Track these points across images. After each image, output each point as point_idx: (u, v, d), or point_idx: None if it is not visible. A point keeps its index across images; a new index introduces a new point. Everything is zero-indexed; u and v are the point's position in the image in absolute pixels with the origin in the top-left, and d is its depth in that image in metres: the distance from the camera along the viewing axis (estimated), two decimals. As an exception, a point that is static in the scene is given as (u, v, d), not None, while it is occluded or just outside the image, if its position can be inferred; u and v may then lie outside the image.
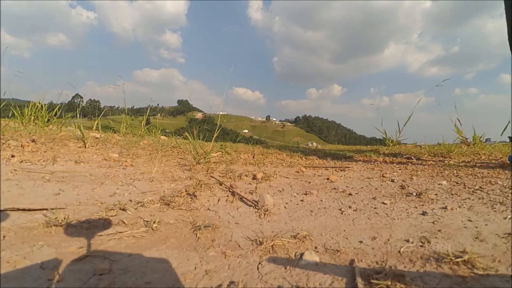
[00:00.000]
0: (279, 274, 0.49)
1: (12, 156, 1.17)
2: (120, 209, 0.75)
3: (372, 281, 0.45)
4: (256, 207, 0.83)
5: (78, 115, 2.46)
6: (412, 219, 0.71)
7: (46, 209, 0.72)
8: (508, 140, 2.13)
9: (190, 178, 1.11)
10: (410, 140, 2.81)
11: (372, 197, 0.90)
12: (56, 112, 2.53)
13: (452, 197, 0.86)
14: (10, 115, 2.37)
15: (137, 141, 1.96)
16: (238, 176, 1.14)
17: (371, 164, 1.46)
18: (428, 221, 0.69)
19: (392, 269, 0.49)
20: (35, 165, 1.12)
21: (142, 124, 2.68)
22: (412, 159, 1.60)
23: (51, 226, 0.62)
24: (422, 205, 0.80)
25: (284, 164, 1.42)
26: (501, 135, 2.04)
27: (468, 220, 0.68)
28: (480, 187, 0.93)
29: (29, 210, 0.71)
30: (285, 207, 0.84)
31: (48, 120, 2.48)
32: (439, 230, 0.63)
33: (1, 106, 2.26)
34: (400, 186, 1.01)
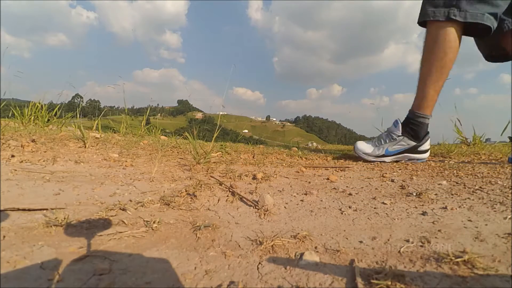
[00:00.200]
0: (279, 274, 0.49)
1: (12, 156, 1.17)
2: (120, 209, 0.75)
3: (372, 281, 0.45)
4: (256, 207, 0.83)
5: (78, 115, 2.46)
6: (412, 219, 0.71)
7: (46, 209, 0.72)
8: (508, 140, 2.13)
9: (190, 178, 1.11)
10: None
11: (372, 197, 0.90)
12: (56, 112, 2.53)
13: (452, 197, 0.86)
14: (10, 115, 2.37)
15: (137, 141, 1.96)
16: (238, 176, 1.14)
17: (371, 164, 1.46)
18: (428, 221, 0.69)
19: (392, 269, 0.49)
20: (35, 165, 1.12)
21: (142, 124, 2.68)
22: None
23: (51, 226, 0.63)
24: (422, 205, 0.80)
25: (284, 164, 1.42)
26: (501, 135, 2.04)
27: (468, 220, 0.68)
28: (480, 187, 0.93)
29: (29, 210, 0.71)
30: (285, 207, 0.84)
31: (48, 120, 2.48)
32: (439, 230, 0.63)
33: (1, 106, 2.26)
34: (400, 186, 1.01)
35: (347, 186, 1.04)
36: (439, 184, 1.00)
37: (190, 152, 1.57)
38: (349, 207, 0.82)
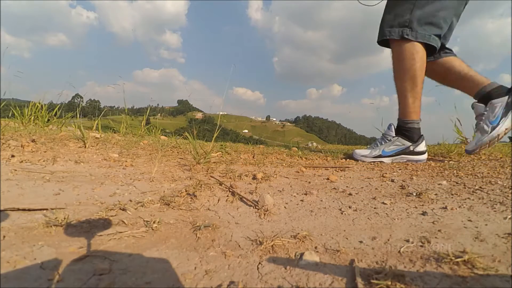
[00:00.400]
0: (279, 274, 0.49)
1: (12, 156, 1.17)
2: (120, 209, 0.75)
3: (372, 281, 0.45)
4: (256, 207, 0.83)
5: (78, 115, 2.46)
6: (412, 219, 0.71)
7: (46, 209, 0.72)
8: (508, 140, 2.13)
9: (190, 178, 1.11)
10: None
11: (372, 197, 0.90)
12: (56, 112, 2.53)
13: (452, 197, 0.86)
14: (10, 115, 2.37)
15: (137, 141, 1.96)
16: (238, 176, 1.14)
17: (371, 164, 1.46)
18: (428, 221, 0.69)
19: (392, 269, 0.49)
20: (35, 165, 1.12)
21: (142, 124, 2.68)
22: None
23: (51, 226, 0.63)
24: (422, 205, 0.80)
25: (284, 164, 1.42)
26: (501, 135, 2.03)
27: (468, 220, 0.68)
28: (480, 187, 0.93)
29: (29, 210, 0.71)
30: (285, 207, 0.84)
31: (48, 120, 2.48)
32: (439, 230, 0.63)
33: (1, 106, 2.26)
34: (400, 186, 1.01)
35: (347, 186, 1.04)
36: (439, 184, 1.00)
37: (190, 152, 1.57)
38: (349, 207, 0.82)
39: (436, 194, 0.89)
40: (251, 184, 1.07)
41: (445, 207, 0.77)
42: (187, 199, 0.87)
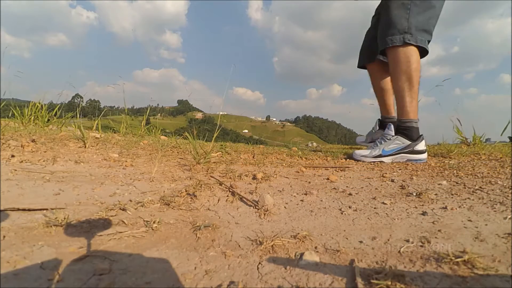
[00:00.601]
0: (279, 274, 0.49)
1: (12, 156, 1.17)
2: (120, 209, 0.75)
3: (372, 281, 0.45)
4: (256, 207, 0.83)
5: (78, 115, 2.46)
6: (412, 219, 0.71)
7: (46, 209, 0.72)
8: (508, 140, 2.13)
9: (190, 178, 1.11)
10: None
11: (372, 197, 0.90)
12: (56, 112, 2.53)
13: (452, 197, 0.86)
14: (10, 115, 2.37)
15: (137, 141, 1.96)
16: (238, 176, 1.14)
17: (371, 164, 1.46)
18: (428, 221, 0.69)
19: (392, 269, 0.49)
20: (35, 165, 1.12)
21: (142, 124, 2.67)
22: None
23: (51, 226, 0.63)
24: (422, 205, 0.80)
25: (284, 164, 1.42)
26: (501, 135, 2.03)
27: (468, 220, 0.68)
28: (480, 187, 0.93)
29: (29, 210, 0.71)
30: (285, 207, 0.84)
31: (48, 120, 2.47)
32: (439, 230, 0.63)
33: (1, 106, 2.26)
34: (400, 186, 1.01)
35: (347, 186, 1.04)
36: (439, 184, 1.00)
37: (190, 152, 1.57)
38: (349, 207, 0.82)
39: (436, 194, 0.89)
40: (251, 184, 1.07)
41: (445, 207, 0.77)
42: (187, 199, 0.87)
